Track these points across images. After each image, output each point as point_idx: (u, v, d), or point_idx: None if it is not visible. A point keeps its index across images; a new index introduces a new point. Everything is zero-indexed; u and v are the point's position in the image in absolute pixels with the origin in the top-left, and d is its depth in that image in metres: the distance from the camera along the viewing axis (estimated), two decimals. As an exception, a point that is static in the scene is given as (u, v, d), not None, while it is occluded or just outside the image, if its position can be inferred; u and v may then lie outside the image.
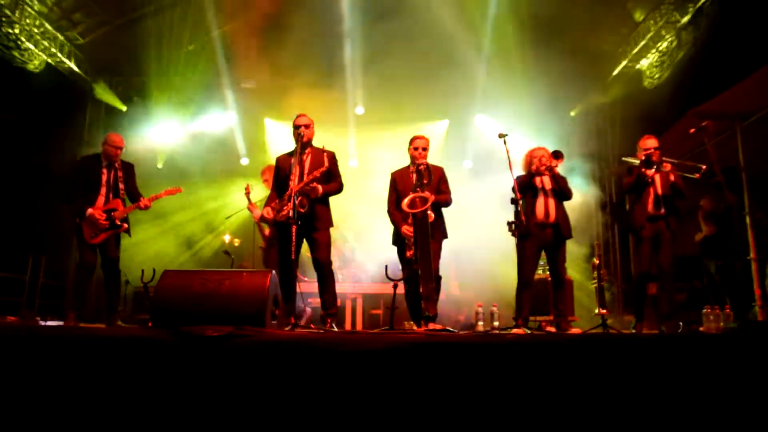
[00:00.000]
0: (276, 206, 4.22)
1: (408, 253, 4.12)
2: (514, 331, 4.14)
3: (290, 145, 4.39)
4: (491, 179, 7.07)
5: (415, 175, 4.18)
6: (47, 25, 7.22)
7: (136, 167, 4.84)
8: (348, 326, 6.71)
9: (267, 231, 5.72)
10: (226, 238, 7.30)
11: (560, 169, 4.56)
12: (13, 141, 6.68)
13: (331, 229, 4.39)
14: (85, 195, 4.49)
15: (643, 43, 7.34)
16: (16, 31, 6.77)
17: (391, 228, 4.48)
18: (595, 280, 4.89)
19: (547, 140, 5.80)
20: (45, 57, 7.34)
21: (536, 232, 4.46)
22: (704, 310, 4.56)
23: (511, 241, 4.28)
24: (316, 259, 4.26)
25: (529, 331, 4.19)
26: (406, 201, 4.05)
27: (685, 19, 6.61)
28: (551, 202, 4.52)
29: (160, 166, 8.86)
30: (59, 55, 7.55)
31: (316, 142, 4.41)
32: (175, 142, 8.85)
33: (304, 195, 4.09)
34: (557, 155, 4.44)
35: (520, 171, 4.65)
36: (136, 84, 8.57)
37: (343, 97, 8.46)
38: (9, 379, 1.98)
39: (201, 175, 8.64)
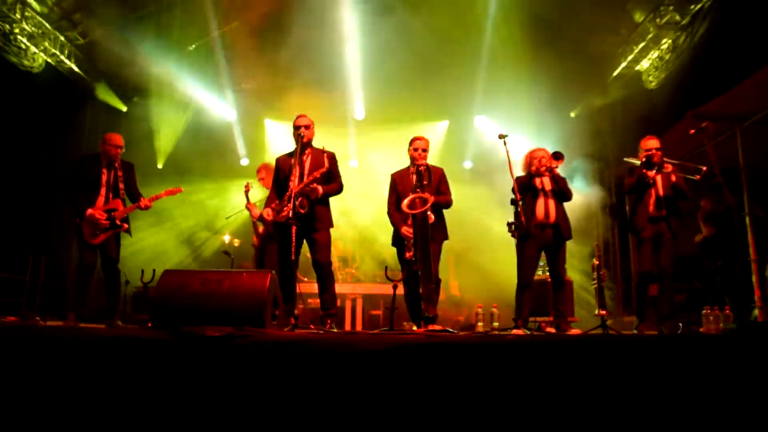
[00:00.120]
0: (276, 207, 4.22)
1: (408, 254, 4.13)
2: (514, 331, 4.14)
3: (290, 146, 4.39)
4: (491, 180, 7.08)
5: (415, 176, 4.19)
6: (48, 26, 7.23)
7: (136, 167, 4.84)
8: (348, 327, 6.71)
9: (261, 229, 5.69)
10: (226, 238, 7.30)
11: (561, 170, 4.56)
12: (13, 141, 6.68)
13: (331, 230, 4.39)
14: (85, 195, 4.49)
15: (643, 44, 7.35)
16: (17, 31, 6.77)
17: (391, 229, 4.48)
18: (595, 281, 4.89)
19: (547, 141, 5.81)
20: (45, 57, 7.35)
21: (536, 233, 4.46)
22: (704, 311, 4.56)
23: (511, 242, 4.29)
24: (315, 260, 4.26)
25: (528, 332, 4.20)
26: (405, 202, 4.05)
27: (685, 20, 6.61)
28: (551, 203, 4.52)
29: (160, 166, 8.87)
30: (59, 55, 7.56)
31: (316, 143, 4.41)
32: (175, 143, 8.85)
33: (304, 196, 4.09)
34: (557, 156, 4.44)
35: (520, 172, 4.65)
36: (136, 84, 8.57)
37: (343, 98, 8.47)
38: (9, 380, 1.99)
39: (201, 176, 8.64)
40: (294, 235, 3.85)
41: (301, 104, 6.73)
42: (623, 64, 7.82)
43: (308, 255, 4.43)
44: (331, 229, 4.39)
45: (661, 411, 1.93)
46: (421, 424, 1.86)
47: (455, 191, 4.48)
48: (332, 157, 4.31)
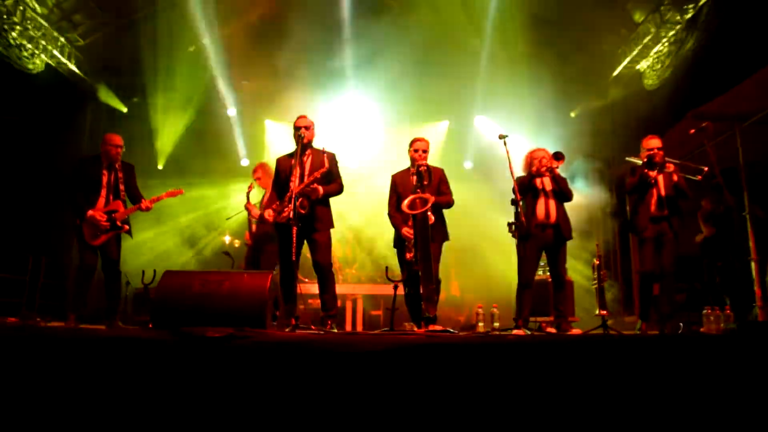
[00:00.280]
0: (277, 208, 4.22)
1: (408, 255, 4.13)
2: (515, 332, 4.14)
3: (290, 146, 4.39)
4: (491, 180, 7.08)
5: (415, 177, 4.19)
6: (48, 27, 7.23)
7: (137, 168, 4.84)
8: (348, 327, 6.71)
9: (254, 228, 5.65)
10: (227, 239, 7.30)
11: (561, 170, 4.56)
12: (13, 142, 6.68)
13: (332, 230, 4.39)
14: (86, 196, 4.49)
15: (642, 44, 7.35)
16: (17, 32, 6.77)
17: (391, 229, 4.48)
18: (596, 281, 4.89)
19: (548, 141, 5.81)
20: (46, 58, 7.35)
21: (537, 233, 4.46)
22: (704, 311, 4.56)
23: (511, 242, 4.28)
24: (316, 261, 4.26)
25: (529, 332, 4.20)
26: (406, 202, 4.05)
27: (685, 20, 6.61)
28: (552, 203, 4.52)
29: (160, 167, 8.88)
30: (60, 56, 7.56)
31: (317, 144, 4.42)
32: (175, 143, 8.86)
33: (304, 196, 4.09)
34: (558, 156, 4.44)
35: (520, 172, 4.65)
36: (136, 85, 8.57)
37: (343, 98, 8.47)
38: (9, 380, 1.99)
39: (202, 176, 8.64)
40: (294, 235, 3.85)
41: (301, 105, 6.74)
42: (623, 64, 7.83)
43: (309, 256, 4.43)
44: (332, 230, 4.39)
45: (662, 411, 1.93)
46: (421, 424, 1.86)
47: (455, 191, 4.48)
48: (332, 158, 4.31)
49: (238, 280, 3.36)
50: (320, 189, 4.16)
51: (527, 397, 1.92)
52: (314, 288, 4.57)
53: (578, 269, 7.04)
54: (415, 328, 4.19)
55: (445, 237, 4.40)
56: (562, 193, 4.54)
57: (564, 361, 2.07)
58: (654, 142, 4.55)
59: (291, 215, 3.86)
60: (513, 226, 4.09)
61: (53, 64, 7.58)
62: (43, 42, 7.20)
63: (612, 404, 1.93)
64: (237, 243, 7.27)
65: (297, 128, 4.28)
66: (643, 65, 7.58)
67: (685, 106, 5.91)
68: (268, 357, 2.07)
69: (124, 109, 8.82)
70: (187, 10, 7.64)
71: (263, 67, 7.96)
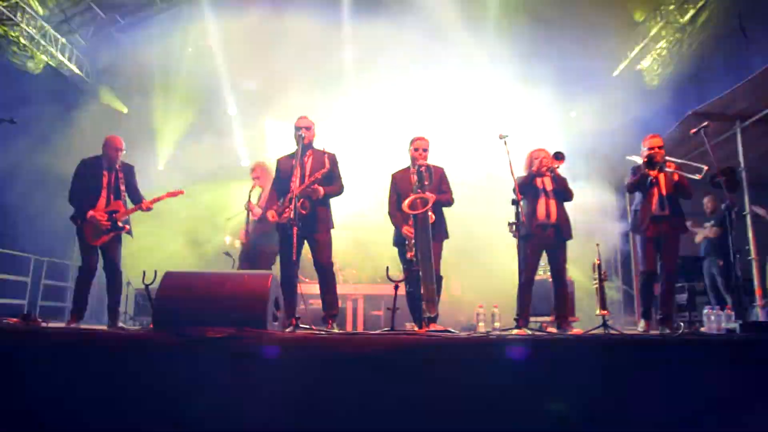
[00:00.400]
0: (278, 208, 4.22)
1: (409, 255, 4.12)
2: (515, 331, 4.14)
3: (291, 146, 4.40)
4: (492, 180, 7.06)
5: (415, 176, 4.18)
6: (48, 28, 7.24)
7: (137, 169, 4.85)
8: (349, 327, 6.71)
9: (249, 228, 5.61)
10: (227, 239, 7.29)
11: (561, 170, 4.56)
12: (14, 142, 6.69)
13: (332, 231, 4.39)
14: (86, 197, 4.49)
15: (643, 43, 7.35)
16: (18, 33, 6.78)
17: (392, 229, 4.48)
18: (596, 281, 4.88)
19: (548, 141, 5.79)
20: (46, 59, 7.36)
21: (537, 233, 4.45)
22: (705, 310, 4.55)
23: (512, 242, 4.28)
24: (317, 261, 4.26)
25: (530, 332, 4.19)
26: (406, 202, 4.05)
27: (686, 19, 6.61)
28: (552, 203, 4.52)
29: (161, 167, 8.88)
30: (60, 57, 7.57)
31: (317, 144, 4.42)
32: (176, 144, 8.86)
33: (305, 197, 4.10)
34: (559, 156, 4.44)
35: (520, 172, 4.64)
36: (137, 85, 8.58)
37: (343, 98, 8.46)
38: (11, 380, 1.99)
39: (202, 177, 8.64)
40: (295, 236, 3.85)
41: (301, 105, 6.73)
42: (624, 64, 7.82)
43: (309, 256, 4.43)
44: (332, 230, 4.39)
45: (663, 409, 1.93)
46: (422, 422, 1.86)
47: (456, 191, 4.48)
48: (333, 159, 4.31)
49: (239, 281, 3.35)
50: (321, 190, 4.16)
51: (528, 396, 1.93)
52: (315, 288, 4.57)
53: (579, 269, 7.04)
54: (416, 328, 4.19)
55: (445, 235, 4.40)
56: (563, 193, 4.54)
57: (564, 360, 2.07)
58: (654, 141, 4.53)
59: (292, 215, 3.86)
60: (513, 226, 4.08)
61: (54, 65, 7.59)
62: (44, 43, 7.21)
63: (612, 403, 1.93)
64: (237, 243, 7.25)
65: (298, 128, 4.29)
66: (643, 65, 7.57)
67: (686, 105, 5.91)
68: (268, 357, 2.07)
69: (125, 110, 8.83)
70: (188, 11, 7.64)
71: (263, 68, 7.96)
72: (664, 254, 4.46)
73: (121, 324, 4.61)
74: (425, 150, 4.34)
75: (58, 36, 7.47)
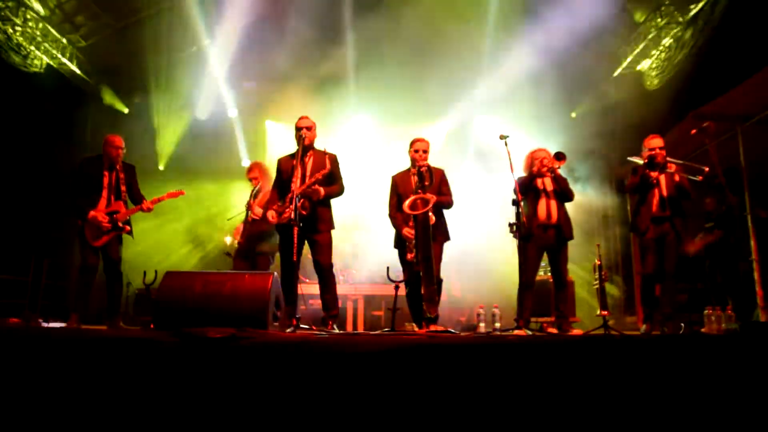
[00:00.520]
0: (278, 208, 4.23)
1: (409, 256, 4.13)
2: (516, 332, 4.14)
3: (291, 147, 4.40)
4: (492, 181, 7.07)
5: (416, 178, 4.18)
6: (49, 28, 7.25)
7: (138, 169, 4.85)
8: (349, 328, 6.71)
9: (243, 226, 5.58)
10: (228, 239, 7.29)
11: (562, 170, 4.56)
12: (15, 143, 6.70)
13: (332, 231, 4.40)
14: (87, 197, 4.50)
15: (643, 44, 7.35)
16: (18, 33, 6.79)
17: (392, 230, 4.48)
18: (597, 281, 4.88)
19: (548, 141, 5.80)
20: (47, 59, 7.37)
21: (538, 234, 4.46)
22: (706, 311, 4.55)
23: (512, 242, 4.28)
24: (317, 261, 4.27)
25: (530, 333, 4.19)
26: (407, 203, 4.05)
27: (686, 20, 6.61)
28: (553, 203, 4.52)
29: (161, 167, 8.88)
30: (61, 57, 7.58)
31: (318, 144, 4.42)
32: (176, 144, 8.87)
33: (306, 197, 4.10)
34: (559, 157, 4.44)
35: (521, 172, 4.65)
36: (138, 86, 8.58)
37: (344, 99, 8.47)
38: (12, 381, 1.99)
39: (203, 177, 8.65)
40: (296, 236, 3.85)
41: (302, 105, 6.74)
42: (624, 64, 7.82)
43: (310, 256, 4.43)
44: (332, 231, 4.40)
45: (664, 411, 1.93)
46: (423, 424, 1.86)
47: (456, 192, 4.49)
48: (334, 159, 4.31)
49: (240, 281, 3.36)
50: (321, 190, 4.17)
51: (528, 397, 1.92)
52: (315, 288, 4.57)
53: (579, 269, 7.04)
54: (416, 329, 4.19)
55: (446, 237, 4.40)
56: (564, 194, 4.54)
57: (565, 361, 2.07)
58: (655, 142, 4.53)
59: (292, 216, 3.87)
60: (514, 227, 4.08)
61: (55, 65, 7.60)
62: (45, 43, 7.22)
63: (613, 405, 1.93)
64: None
65: (298, 129, 4.29)
66: (644, 65, 7.57)
67: (687, 106, 5.91)
68: (269, 357, 2.07)
69: (126, 110, 8.84)
70: (188, 11, 7.65)
71: (264, 68, 7.97)
72: (665, 255, 4.46)
73: (121, 324, 4.61)
74: (425, 151, 4.34)
75: (59, 36, 7.48)
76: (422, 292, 3.91)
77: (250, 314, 3.19)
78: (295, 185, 4.07)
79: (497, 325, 6.03)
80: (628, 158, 4.89)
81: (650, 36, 7.21)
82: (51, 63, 7.48)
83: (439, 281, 4.24)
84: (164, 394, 1.94)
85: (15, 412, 1.92)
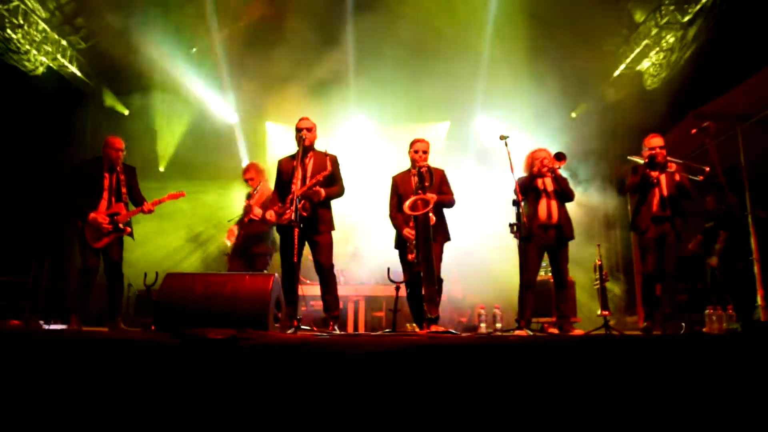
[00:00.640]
0: (279, 209, 4.23)
1: (410, 256, 4.13)
2: (517, 332, 4.14)
3: (291, 148, 4.40)
4: (493, 181, 7.07)
5: (416, 178, 4.18)
6: (49, 30, 7.26)
7: (138, 171, 4.85)
8: (350, 329, 6.71)
9: (238, 227, 5.56)
10: (228, 241, 7.29)
11: (562, 170, 4.56)
12: (15, 145, 6.70)
13: (333, 232, 4.40)
14: (88, 199, 4.50)
15: (643, 44, 7.35)
16: (18, 35, 6.80)
17: (392, 231, 4.48)
18: (597, 281, 4.88)
19: (548, 142, 5.80)
20: (47, 61, 7.37)
21: (539, 234, 4.45)
22: (707, 311, 4.54)
23: (513, 243, 4.28)
24: (318, 262, 4.27)
25: (531, 333, 4.19)
26: (407, 204, 4.05)
27: (686, 19, 6.61)
28: (553, 203, 4.52)
29: (162, 169, 8.89)
30: (61, 59, 7.58)
31: (318, 145, 4.42)
32: (177, 145, 8.87)
33: (306, 199, 4.10)
34: (560, 157, 4.44)
35: (521, 172, 4.64)
36: (138, 87, 8.58)
37: (344, 100, 8.47)
38: (12, 383, 1.99)
39: (203, 179, 8.65)
40: (296, 237, 3.86)
41: (302, 106, 6.74)
42: (624, 65, 7.82)
43: (310, 257, 4.43)
44: (333, 232, 4.40)
45: (665, 411, 1.93)
46: (424, 425, 1.86)
47: (456, 192, 4.49)
48: (335, 160, 4.31)
49: (240, 282, 3.36)
50: (322, 191, 4.17)
51: (529, 397, 1.92)
52: (316, 289, 4.57)
53: (580, 270, 7.04)
54: (417, 329, 4.19)
55: (446, 237, 4.40)
56: (564, 194, 4.54)
57: (566, 361, 2.07)
58: (656, 141, 4.53)
59: (293, 217, 3.87)
60: (514, 227, 4.08)
61: (55, 67, 7.60)
62: (45, 45, 7.22)
63: (615, 405, 1.93)
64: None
65: (299, 130, 4.29)
66: (643, 65, 7.57)
67: (687, 106, 5.91)
68: (270, 358, 2.07)
69: (126, 112, 8.84)
70: (189, 12, 7.65)
71: (264, 69, 7.97)
72: (666, 255, 4.46)
73: (122, 326, 4.61)
74: (425, 152, 4.34)
75: (59, 38, 7.49)
76: (423, 292, 3.91)
77: (251, 315, 3.19)
78: (296, 186, 4.07)
79: (498, 325, 6.03)
80: (629, 157, 4.89)
81: (650, 36, 7.21)
82: (51, 65, 7.48)
83: (440, 281, 4.24)
84: (165, 396, 1.93)
85: (16, 414, 1.92)
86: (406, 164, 4.50)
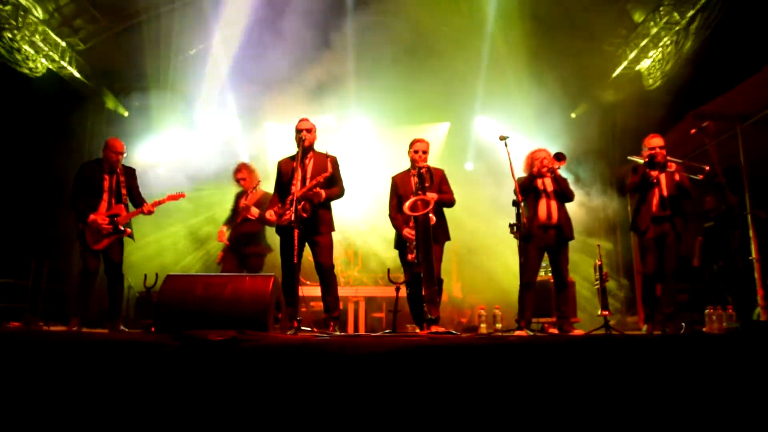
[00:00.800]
0: (279, 210, 4.23)
1: (410, 257, 4.13)
2: (517, 333, 4.14)
3: (291, 149, 4.40)
4: (493, 181, 7.07)
5: (416, 179, 4.19)
6: (48, 32, 7.26)
7: (138, 172, 4.86)
8: (350, 329, 6.71)
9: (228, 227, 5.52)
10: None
11: (562, 170, 4.56)
12: (15, 146, 6.70)
13: (333, 233, 4.40)
14: (88, 201, 4.51)
15: (643, 44, 7.35)
16: (18, 37, 6.80)
17: (392, 231, 4.48)
18: (598, 282, 4.88)
19: (548, 142, 5.81)
20: (46, 63, 7.38)
21: (539, 234, 4.45)
22: (707, 311, 4.54)
23: (513, 243, 4.28)
24: (318, 263, 4.27)
25: (531, 333, 4.19)
26: (407, 204, 4.06)
27: (685, 19, 6.61)
28: (553, 203, 4.52)
29: (161, 170, 8.88)
30: (60, 60, 7.59)
31: (318, 146, 4.42)
32: (176, 147, 8.87)
33: (306, 200, 4.10)
34: (560, 157, 4.44)
35: (521, 173, 4.65)
36: (137, 89, 8.58)
37: (344, 101, 8.47)
38: (12, 384, 1.99)
39: (203, 180, 8.65)
40: (296, 238, 3.86)
41: (302, 107, 6.75)
42: (623, 65, 7.82)
43: (310, 258, 4.43)
44: (333, 232, 4.40)
45: (665, 411, 1.93)
46: (424, 425, 1.86)
47: (456, 193, 4.49)
48: (335, 161, 4.32)
49: (240, 284, 3.36)
50: (322, 193, 4.17)
51: (530, 398, 1.92)
52: (316, 290, 4.57)
53: (580, 270, 7.04)
54: (418, 330, 4.19)
55: (446, 237, 4.40)
56: (564, 194, 4.54)
57: (566, 361, 2.07)
58: (656, 141, 4.53)
59: (293, 218, 3.87)
60: (514, 227, 4.09)
61: (54, 69, 7.60)
62: (44, 46, 7.23)
63: (615, 405, 1.93)
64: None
65: (299, 131, 4.29)
66: (643, 65, 7.57)
67: (686, 105, 5.91)
68: (270, 360, 2.07)
69: (125, 113, 8.84)
70: (188, 14, 7.66)
71: (263, 70, 7.97)
72: (666, 255, 4.46)
73: (122, 327, 4.62)
74: (425, 152, 4.34)
75: (59, 40, 7.49)
76: (423, 293, 3.91)
77: (251, 317, 3.19)
78: (296, 187, 4.07)
79: (498, 325, 6.03)
80: (629, 157, 4.89)
81: (650, 36, 7.21)
82: (50, 66, 7.49)
83: (440, 282, 4.24)
84: (165, 398, 1.93)
85: (16, 416, 1.92)
86: (406, 164, 4.50)
